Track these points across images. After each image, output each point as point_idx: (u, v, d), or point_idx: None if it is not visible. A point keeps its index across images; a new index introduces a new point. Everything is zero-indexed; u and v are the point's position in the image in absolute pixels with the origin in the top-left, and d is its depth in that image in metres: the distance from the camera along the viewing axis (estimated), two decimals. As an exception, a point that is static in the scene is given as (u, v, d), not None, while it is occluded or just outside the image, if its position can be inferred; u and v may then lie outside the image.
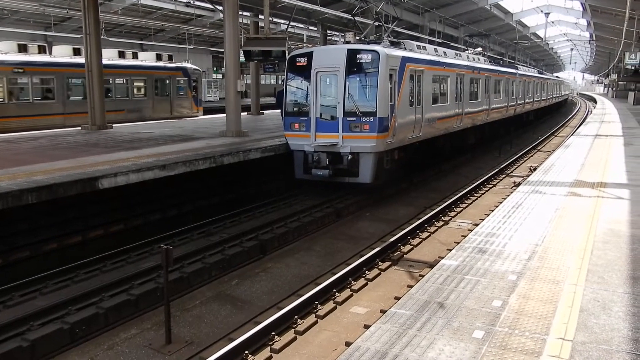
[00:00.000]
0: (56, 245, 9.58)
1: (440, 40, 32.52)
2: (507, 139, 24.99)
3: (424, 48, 16.89)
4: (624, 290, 5.35)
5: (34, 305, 7.17)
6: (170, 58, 27.55)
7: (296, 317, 7.08)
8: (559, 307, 4.96)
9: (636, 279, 5.62)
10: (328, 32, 31.95)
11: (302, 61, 13.28)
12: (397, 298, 7.51)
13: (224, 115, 16.85)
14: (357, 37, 14.72)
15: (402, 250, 10.02)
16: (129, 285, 7.84)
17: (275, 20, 30.37)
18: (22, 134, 16.96)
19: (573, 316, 4.77)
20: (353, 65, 12.73)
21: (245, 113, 24.09)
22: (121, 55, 24.70)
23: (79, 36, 29.15)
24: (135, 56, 25.75)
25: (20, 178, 9.09)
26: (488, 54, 32.06)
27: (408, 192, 15.34)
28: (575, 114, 50.43)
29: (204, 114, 28.67)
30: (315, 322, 7.15)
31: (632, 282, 5.55)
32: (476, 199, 14.45)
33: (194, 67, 28.74)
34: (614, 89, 67.36)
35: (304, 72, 13.25)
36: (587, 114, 42.46)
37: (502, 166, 18.89)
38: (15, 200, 8.24)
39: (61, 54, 22.35)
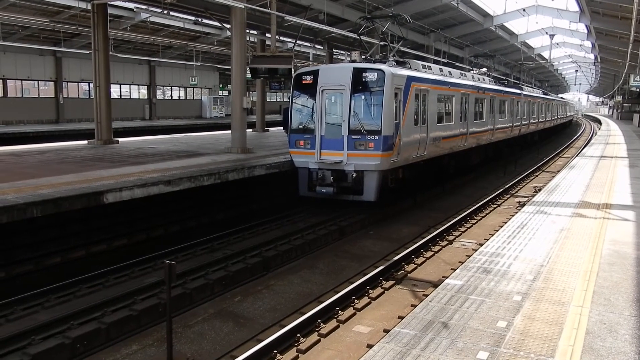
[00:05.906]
0: (59, 259, 9.58)
1: (445, 60, 32.68)
2: (512, 159, 24.95)
3: (429, 68, 16.98)
4: (630, 312, 5.30)
5: (36, 319, 7.14)
6: None
7: (299, 335, 7.02)
8: (564, 329, 4.91)
9: (643, 302, 5.56)
10: (334, 50, 32.23)
11: (308, 79, 13.36)
12: (401, 317, 7.44)
13: (229, 131, 16.95)
14: (363, 56, 14.79)
15: (406, 270, 9.96)
16: (131, 300, 7.81)
17: (281, 38, 30.69)
18: (30, 147, 17.09)
19: (579, 338, 4.72)
20: (359, 84, 12.80)
21: (251, 130, 24.23)
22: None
23: (87, 52, 29.53)
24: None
25: (25, 191, 9.13)
26: (493, 74, 32.16)
27: (412, 211, 15.29)
28: (580, 135, 50.40)
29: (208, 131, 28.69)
30: (318, 341, 7.08)
31: (638, 304, 5.50)
32: (481, 218, 14.38)
33: None
34: (618, 111, 67.48)
35: (310, 90, 13.32)
36: (592, 135, 42.47)
37: (506, 186, 18.81)
38: (20, 213, 8.28)
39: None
